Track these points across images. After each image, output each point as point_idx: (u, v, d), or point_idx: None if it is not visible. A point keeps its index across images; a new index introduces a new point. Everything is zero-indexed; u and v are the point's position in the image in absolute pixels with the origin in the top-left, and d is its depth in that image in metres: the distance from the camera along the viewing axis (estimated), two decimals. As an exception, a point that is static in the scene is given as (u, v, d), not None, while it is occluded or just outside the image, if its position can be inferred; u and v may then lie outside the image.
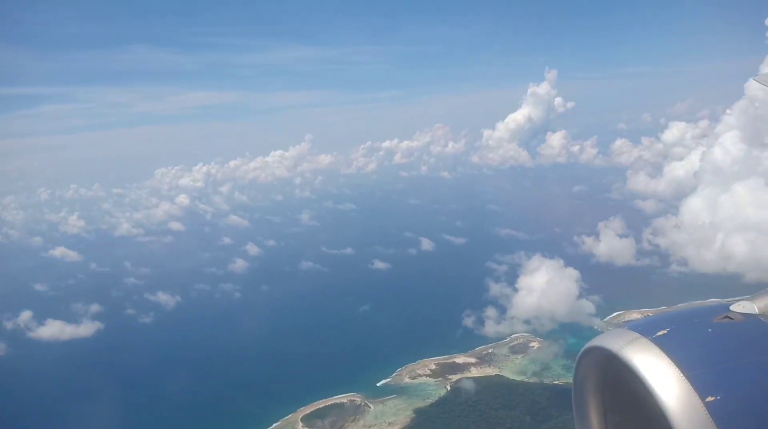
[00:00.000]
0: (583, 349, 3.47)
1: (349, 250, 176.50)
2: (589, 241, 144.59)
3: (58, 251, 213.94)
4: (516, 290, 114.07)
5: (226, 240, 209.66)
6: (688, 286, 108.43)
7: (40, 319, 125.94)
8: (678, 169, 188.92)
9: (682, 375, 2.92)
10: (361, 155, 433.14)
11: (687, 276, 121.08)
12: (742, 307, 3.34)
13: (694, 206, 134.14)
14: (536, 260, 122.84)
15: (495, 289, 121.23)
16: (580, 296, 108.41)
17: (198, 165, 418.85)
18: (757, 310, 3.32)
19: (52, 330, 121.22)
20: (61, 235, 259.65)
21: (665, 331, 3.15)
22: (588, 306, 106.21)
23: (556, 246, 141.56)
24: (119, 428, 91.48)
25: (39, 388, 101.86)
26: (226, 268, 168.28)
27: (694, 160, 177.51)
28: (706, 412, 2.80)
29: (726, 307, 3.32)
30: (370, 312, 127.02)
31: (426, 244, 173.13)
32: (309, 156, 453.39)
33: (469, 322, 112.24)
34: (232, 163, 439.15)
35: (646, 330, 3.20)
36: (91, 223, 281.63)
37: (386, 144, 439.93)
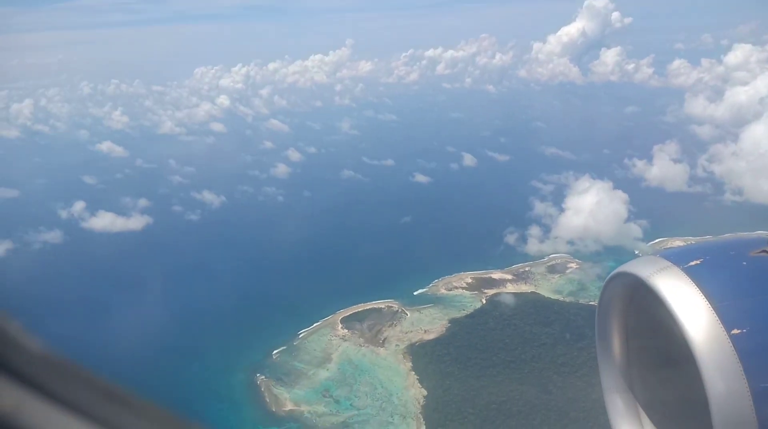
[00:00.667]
0: (612, 274, 3.40)
1: (389, 162, 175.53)
2: (640, 164, 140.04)
3: (105, 146, 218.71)
4: (562, 210, 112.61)
5: (268, 144, 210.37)
6: (742, 216, 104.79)
7: (92, 210, 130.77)
8: (740, 95, 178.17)
9: (709, 306, 2.87)
10: (403, 64, 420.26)
11: (741, 205, 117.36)
12: None
13: (757, 134, 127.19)
14: (584, 181, 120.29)
15: (540, 208, 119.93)
16: (627, 219, 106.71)
17: (237, 66, 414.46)
18: None
19: (104, 221, 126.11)
20: (106, 129, 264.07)
21: (698, 262, 3.07)
22: (635, 230, 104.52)
23: (605, 168, 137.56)
24: (168, 323, 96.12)
25: (92, 277, 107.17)
26: (268, 172, 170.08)
27: (759, 85, 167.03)
28: (731, 344, 2.77)
29: (765, 241, 3.20)
30: (410, 223, 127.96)
31: (468, 160, 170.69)
32: (349, 62, 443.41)
33: (511, 239, 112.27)
34: (270, 66, 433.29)
35: (678, 259, 3.11)
36: (134, 120, 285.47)
37: (429, 53, 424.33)
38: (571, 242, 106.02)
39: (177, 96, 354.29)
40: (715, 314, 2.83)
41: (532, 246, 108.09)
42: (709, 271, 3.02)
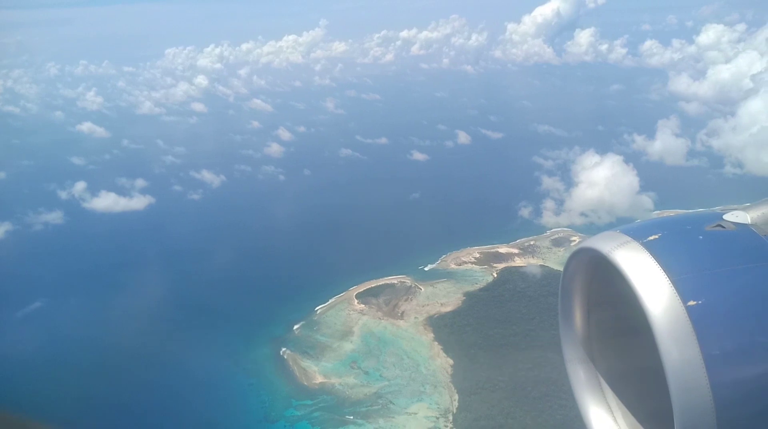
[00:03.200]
0: (574, 249, 3.61)
1: (384, 140, 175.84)
2: (639, 139, 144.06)
3: (85, 126, 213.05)
4: (569, 184, 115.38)
5: (255, 124, 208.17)
6: (743, 188, 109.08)
7: (90, 190, 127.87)
8: (723, 72, 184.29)
9: (667, 279, 3.03)
10: (376, 45, 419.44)
11: (742, 178, 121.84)
12: (735, 216, 3.43)
13: (754, 108, 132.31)
14: (590, 155, 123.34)
15: (548, 182, 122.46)
16: (639, 192, 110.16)
17: (210, 46, 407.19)
18: (749, 220, 3.39)
19: (106, 201, 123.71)
20: (81, 110, 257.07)
21: (656, 237, 3.24)
22: (646, 201, 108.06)
23: (604, 143, 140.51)
24: (181, 302, 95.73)
25: (100, 257, 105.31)
26: (262, 152, 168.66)
27: (740, 63, 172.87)
28: (686, 315, 2.94)
29: (719, 216, 3.42)
30: (415, 200, 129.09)
31: (463, 138, 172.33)
32: (322, 43, 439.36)
33: (525, 212, 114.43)
34: (244, 47, 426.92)
35: (637, 234, 3.30)
36: (109, 101, 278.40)
37: (403, 34, 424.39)
38: (584, 214, 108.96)
39: (150, 77, 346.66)
40: (672, 287, 2.99)
41: (548, 218, 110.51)
42: (666, 245, 3.19)
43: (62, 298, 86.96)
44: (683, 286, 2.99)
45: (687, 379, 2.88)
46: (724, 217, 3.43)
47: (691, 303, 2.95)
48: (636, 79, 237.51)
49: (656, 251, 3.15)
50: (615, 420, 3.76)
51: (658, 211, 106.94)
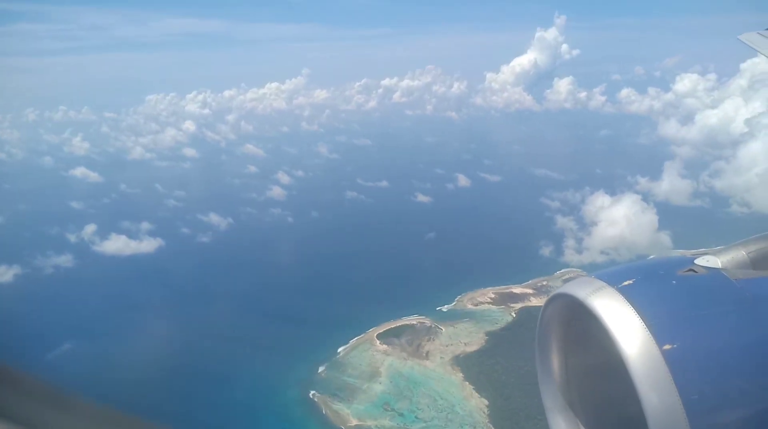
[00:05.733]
0: (550, 296, 3.56)
1: (384, 183, 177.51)
2: (643, 180, 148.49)
3: (78, 171, 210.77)
4: (582, 224, 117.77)
5: (252, 168, 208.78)
6: (751, 225, 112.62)
7: (98, 234, 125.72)
8: (711, 118, 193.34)
9: (642, 323, 3.09)
10: (357, 92, 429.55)
11: (751, 216, 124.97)
12: (706, 261, 3.48)
13: (754, 150, 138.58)
14: (600, 196, 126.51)
15: (561, 221, 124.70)
16: (658, 229, 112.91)
17: (192, 93, 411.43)
18: (720, 265, 3.45)
19: (117, 244, 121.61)
20: (69, 155, 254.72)
21: (631, 282, 3.26)
22: (666, 239, 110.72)
23: (607, 185, 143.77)
24: (201, 345, 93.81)
25: (114, 300, 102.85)
26: (265, 195, 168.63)
27: (727, 109, 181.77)
28: (662, 358, 2.98)
29: (691, 261, 3.45)
30: (424, 242, 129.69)
31: (462, 180, 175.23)
32: (304, 90, 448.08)
33: (546, 251, 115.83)
34: (226, 93, 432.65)
35: (612, 279, 3.35)
36: (96, 146, 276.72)
37: (385, 82, 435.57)
38: (604, 252, 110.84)
39: (133, 122, 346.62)
40: (648, 331, 2.98)
41: (570, 257, 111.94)
42: (641, 290, 3.18)
43: (91, 339, 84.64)
44: (658, 330, 3.01)
45: (668, 425, 2.89)
46: (696, 261, 3.46)
47: (667, 347, 2.97)
48: (621, 125, 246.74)
49: (631, 296, 3.16)
50: None
51: (680, 250, 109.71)
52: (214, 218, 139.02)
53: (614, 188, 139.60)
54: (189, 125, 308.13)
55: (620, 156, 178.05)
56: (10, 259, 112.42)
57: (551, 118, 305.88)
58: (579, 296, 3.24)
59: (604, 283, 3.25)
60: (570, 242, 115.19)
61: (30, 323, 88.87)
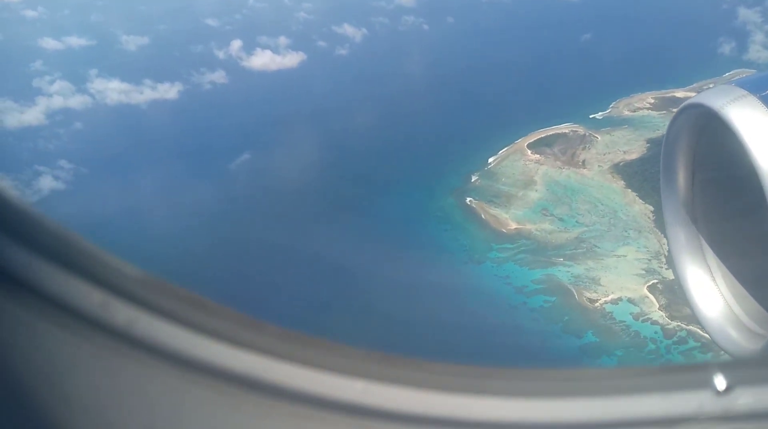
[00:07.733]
0: (682, 106, 3.17)
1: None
2: None
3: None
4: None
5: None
6: None
7: (240, 49, 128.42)
8: None
9: None
10: None
11: None
12: None
13: None
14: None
15: (744, 14, 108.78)
16: None
17: None
18: None
19: (263, 59, 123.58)
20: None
21: None
22: None
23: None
24: (353, 152, 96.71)
25: (281, 111, 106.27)
26: (394, 2, 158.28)
27: None
28: None
29: None
30: (578, 44, 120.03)
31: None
32: None
33: (726, 49, 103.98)
34: None
35: (755, 87, 2.84)
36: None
37: None
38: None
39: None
40: None
41: (755, 53, 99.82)
42: None
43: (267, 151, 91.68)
44: None
45: None
46: None
47: None
48: None
49: None
50: (714, 280, 3.39)
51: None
52: (348, 29, 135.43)
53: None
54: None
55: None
56: (171, 77, 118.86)
57: None
58: (714, 106, 2.97)
59: (746, 92, 2.95)
60: (758, 36, 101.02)
61: (206, 134, 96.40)
